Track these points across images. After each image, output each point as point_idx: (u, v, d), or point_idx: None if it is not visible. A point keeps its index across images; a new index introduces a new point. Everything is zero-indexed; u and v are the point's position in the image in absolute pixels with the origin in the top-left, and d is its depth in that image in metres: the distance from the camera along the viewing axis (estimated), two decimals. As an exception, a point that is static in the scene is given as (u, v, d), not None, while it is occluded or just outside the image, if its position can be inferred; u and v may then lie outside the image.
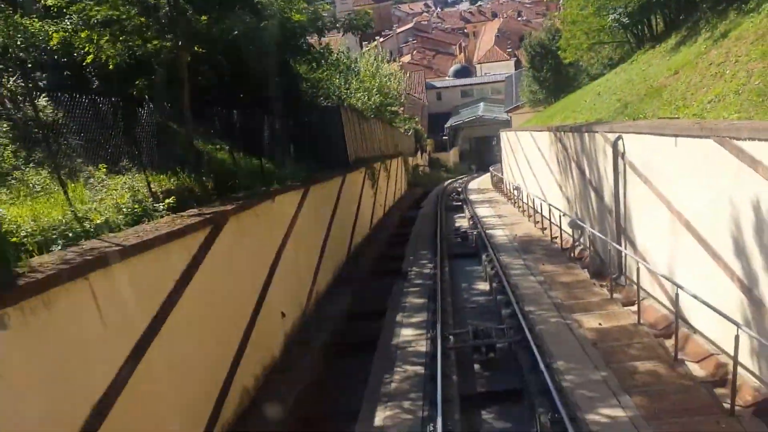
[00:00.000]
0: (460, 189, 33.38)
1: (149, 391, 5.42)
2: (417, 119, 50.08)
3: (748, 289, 7.16)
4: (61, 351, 4.38)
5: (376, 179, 21.64)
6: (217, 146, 11.88)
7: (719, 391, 7.09)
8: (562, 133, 16.31)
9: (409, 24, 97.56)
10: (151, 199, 7.42)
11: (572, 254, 13.89)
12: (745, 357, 7.24)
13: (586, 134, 13.67)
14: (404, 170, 35.30)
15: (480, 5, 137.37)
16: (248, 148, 12.31)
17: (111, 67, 9.93)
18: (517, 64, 62.63)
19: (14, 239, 4.72)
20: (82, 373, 4.58)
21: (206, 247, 6.95)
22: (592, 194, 13.51)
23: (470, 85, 66.18)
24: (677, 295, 8.17)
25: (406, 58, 76.96)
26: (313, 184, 12.42)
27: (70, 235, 5.43)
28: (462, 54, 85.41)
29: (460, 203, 26.53)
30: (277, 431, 7.11)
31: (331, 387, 8.88)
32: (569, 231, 14.60)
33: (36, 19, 11.00)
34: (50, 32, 9.49)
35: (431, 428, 6.50)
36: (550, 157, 18.10)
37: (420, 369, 8.36)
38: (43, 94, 9.59)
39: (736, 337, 6.42)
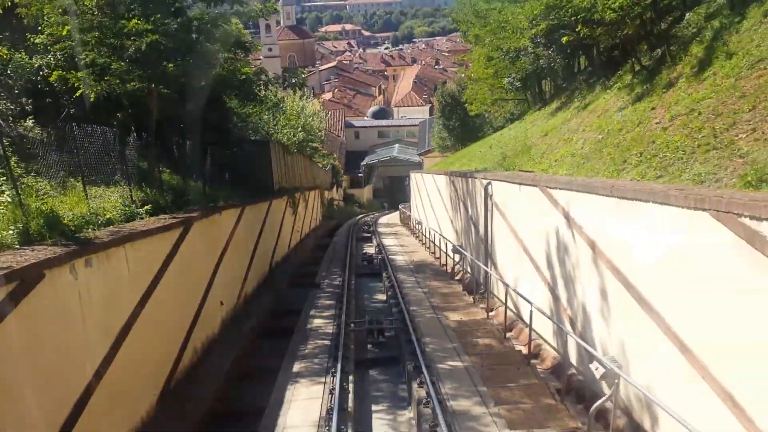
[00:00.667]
0: (371, 222, 36.94)
1: (152, 323, 8.28)
2: (335, 156, 53.65)
3: (552, 289, 10.87)
4: (111, 284, 7.26)
5: (296, 207, 24.71)
6: (167, 170, 14.70)
7: (534, 362, 10.63)
8: (455, 177, 20.21)
9: (332, 62, 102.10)
10: (133, 205, 10.22)
11: (454, 274, 17.58)
12: (549, 337, 10.90)
13: (470, 179, 17.53)
14: (320, 202, 38.48)
15: (401, 49, 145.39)
16: (192, 172, 15.16)
17: (92, 98, 12.57)
18: (432, 110, 68.02)
19: (63, 221, 7.50)
20: (122, 300, 7.45)
21: (180, 241, 9.84)
22: (472, 227, 17.28)
23: (387, 126, 70.75)
24: (511, 298, 11.83)
25: (328, 96, 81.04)
26: (248, 205, 15.41)
27: (95, 222, 8.23)
28: (381, 96, 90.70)
29: (369, 234, 30.00)
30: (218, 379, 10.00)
31: (259, 354, 11.82)
32: (439, 246, 18.34)
33: (23, 52, 13.60)
34: (50, 68, 12.15)
35: (333, 371, 9.64)
36: (445, 196, 21.95)
37: (327, 342, 11.48)
38: (30, 117, 12.25)
39: (531, 312, 10.10)
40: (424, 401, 8.36)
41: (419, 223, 27.55)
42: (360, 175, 63.91)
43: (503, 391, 8.83)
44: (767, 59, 8.12)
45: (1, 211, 6.62)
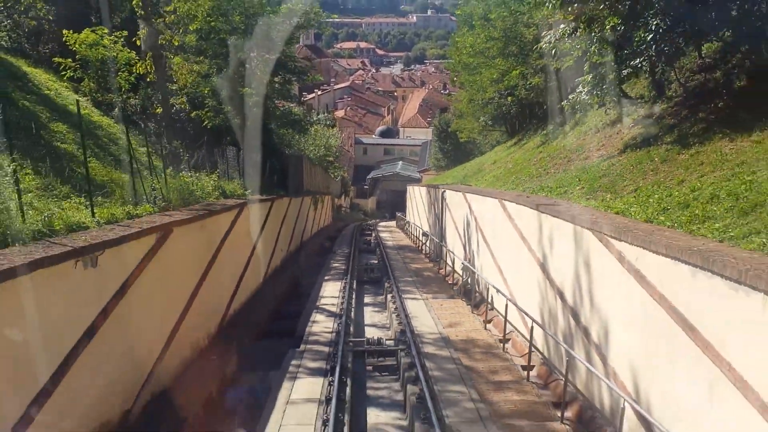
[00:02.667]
0: (372, 225, 46.77)
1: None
2: (345, 168, 63.68)
3: (465, 246, 20.54)
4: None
5: (317, 205, 34.59)
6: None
7: (448, 279, 20.21)
8: (430, 188, 30.11)
9: (346, 82, 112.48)
10: (244, 190, 20.01)
11: (422, 251, 27.38)
12: (459, 269, 20.60)
13: (436, 189, 27.41)
14: (331, 207, 48.36)
15: (412, 70, 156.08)
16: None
17: (210, 127, 22.46)
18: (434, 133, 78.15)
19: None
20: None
21: (269, 210, 19.65)
22: (436, 220, 27.03)
23: (392, 145, 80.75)
24: (450, 257, 21.61)
25: (340, 113, 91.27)
26: (292, 197, 25.26)
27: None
28: (389, 116, 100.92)
29: (370, 231, 39.80)
30: (291, 276, 19.78)
31: (302, 277, 21.68)
32: (423, 239, 28.19)
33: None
34: (194, 112, 22.10)
35: (346, 280, 19.38)
36: (425, 202, 31.78)
37: (342, 271, 21.33)
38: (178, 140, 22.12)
39: (453, 260, 19.92)
40: (390, 294, 18.05)
41: (408, 222, 37.44)
42: (366, 187, 73.71)
43: (428, 287, 18.64)
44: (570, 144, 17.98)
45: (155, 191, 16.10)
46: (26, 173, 10.41)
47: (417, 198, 36.12)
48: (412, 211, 38.35)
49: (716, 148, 10.18)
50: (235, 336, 13.08)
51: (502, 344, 12.91)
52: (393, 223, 52.07)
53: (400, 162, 74.87)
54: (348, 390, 9.83)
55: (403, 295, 17.17)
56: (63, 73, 20.48)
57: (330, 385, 9.91)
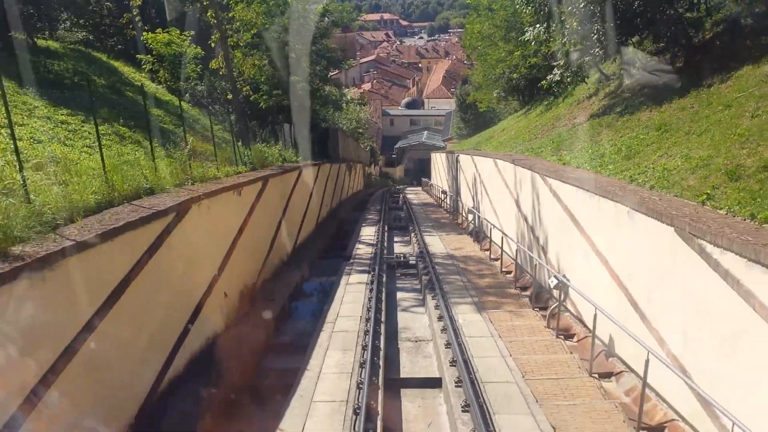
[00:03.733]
0: (399, 189, 52.43)
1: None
2: (374, 139, 69.22)
3: (473, 198, 26.06)
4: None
5: (350, 171, 40.32)
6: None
7: (460, 224, 25.77)
8: (448, 154, 35.58)
9: (371, 56, 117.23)
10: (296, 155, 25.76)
11: (442, 206, 33.04)
12: (470, 219, 26.21)
13: (452, 154, 32.88)
14: (363, 174, 54.11)
15: (436, 40, 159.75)
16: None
17: (264, 107, 28.24)
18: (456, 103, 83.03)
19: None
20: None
21: (318, 171, 25.44)
22: (452, 180, 32.54)
23: (417, 116, 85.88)
24: (464, 210, 27.20)
25: (367, 86, 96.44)
26: (332, 163, 30.99)
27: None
28: (414, 87, 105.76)
29: (398, 194, 45.49)
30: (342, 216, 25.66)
31: (347, 218, 27.53)
32: (443, 197, 33.85)
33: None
34: (252, 96, 27.85)
35: (379, 226, 25.14)
36: (444, 166, 37.27)
37: (376, 219, 27.11)
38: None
39: (466, 210, 25.57)
40: (413, 233, 23.70)
41: (431, 185, 43.06)
42: (393, 156, 79.17)
43: (444, 229, 24.30)
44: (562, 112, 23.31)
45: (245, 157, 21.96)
46: (156, 146, 16.24)
47: (438, 163, 41.62)
48: (435, 175, 43.86)
49: (641, 115, 15.35)
50: (304, 256, 19.04)
51: (492, 260, 18.57)
52: (419, 188, 57.63)
53: (426, 132, 79.97)
54: (384, 278, 15.67)
55: (423, 234, 22.89)
56: (144, 66, 26.56)
57: (372, 276, 15.72)
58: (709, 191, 9.25)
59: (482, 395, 8.45)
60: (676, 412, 8.27)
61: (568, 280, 12.03)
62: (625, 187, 11.15)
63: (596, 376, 9.62)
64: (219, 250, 12.21)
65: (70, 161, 11.03)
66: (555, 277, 11.91)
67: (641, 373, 8.46)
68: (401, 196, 42.00)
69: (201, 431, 7.83)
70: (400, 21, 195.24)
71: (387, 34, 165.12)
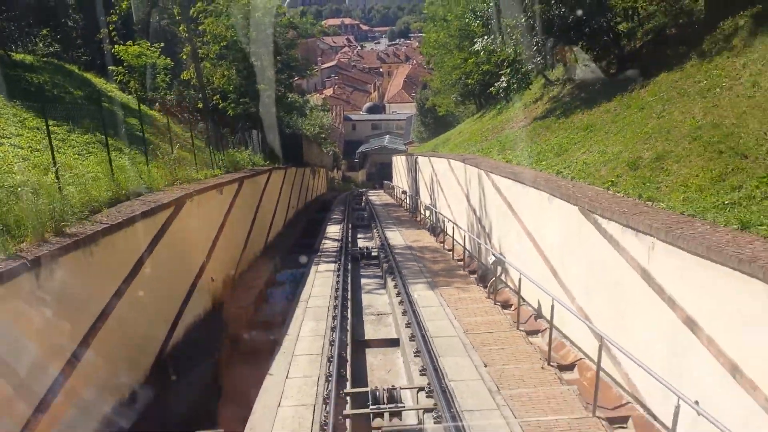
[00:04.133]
0: (362, 192, 54.58)
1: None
2: (336, 144, 71.22)
3: (430, 196, 28.37)
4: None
5: (314, 175, 42.31)
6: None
7: (419, 221, 28.04)
8: (408, 156, 37.89)
9: (332, 61, 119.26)
10: (263, 160, 27.69)
11: (403, 205, 35.33)
12: (428, 215, 28.52)
13: (411, 157, 35.20)
14: (326, 178, 56.10)
15: (397, 45, 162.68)
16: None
17: (232, 114, 30.15)
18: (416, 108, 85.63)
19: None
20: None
21: (285, 176, 27.43)
22: (412, 181, 34.84)
23: (379, 120, 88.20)
24: (423, 207, 29.52)
25: (329, 92, 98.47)
26: (297, 167, 32.98)
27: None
28: (376, 92, 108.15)
29: (361, 196, 47.63)
30: (307, 219, 27.66)
31: (315, 217, 29.54)
32: (403, 197, 36.16)
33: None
34: (225, 107, 29.72)
35: (344, 224, 27.25)
36: (404, 168, 39.57)
37: (340, 219, 29.20)
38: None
39: (424, 207, 27.89)
40: (375, 230, 25.85)
41: (393, 187, 45.35)
42: (356, 160, 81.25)
43: (403, 225, 26.52)
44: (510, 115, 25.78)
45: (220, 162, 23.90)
46: (135, 154, 18.01)
47: (399, 166, 43.93)
48: (396, 177, 46.16)
49: (574, 118, 17.74)
50: (275, 251, 21.02)
51: (446, 250, 20.84)
52: (381, 191, 59.86)
53: (387, 136, 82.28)
54: (350, 267, 17.78)
55: (384, 230, 25.08)
56: (115, 77, 28.19)
57: (338, 265, 17.80)
58: (613, 179, 11.64)
59: (430, 345, 10.63)
60: (584, 353, 10.57)
61: (504, 258, 14.35)
62: (550, 178, 13.52)
63: (524, 331, 11.90)
64: (207, 241, 14.16)
65: (71, 167, 12.86)
66: (493, 254, 14.24)
67: (562, 329, 10.80)
68: (364, 198, 44.15)
69: (204, 379, 9.82)
70: (361, 26, 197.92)
71: (348, 39, 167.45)
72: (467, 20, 26.46)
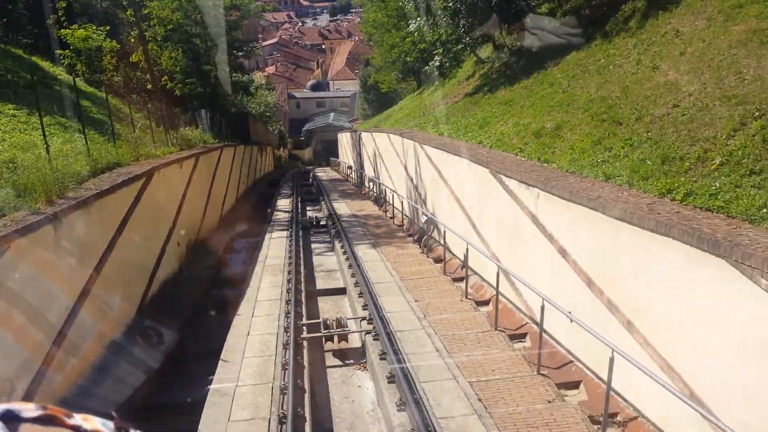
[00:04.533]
0: (309, 169, 56.34)
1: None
2: (281, 122, 72.44)
3: (374, 169, 30.60)
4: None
5: (262, 152, 43.91)
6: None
7: (364, 193, 30.26)
8: (352, 132, 39.95)
9: (274, 39, 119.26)
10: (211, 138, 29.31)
11: (349, 180, 37.48)
12: (371, 187, 30.77)
13: (355, 133, 37.29)
14: (272, 156, 57.56)
15: (338, 21, 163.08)
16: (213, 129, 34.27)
17: (179, 94, 31.60)
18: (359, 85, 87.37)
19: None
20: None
21: (227, 154, 29.15)
22: (357, 155, 36.95)
23: (323, 98, 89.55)
24: (367, 181, 31.71)
25: (271, 69, 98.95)
26: (245, 145, 34.62)
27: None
28: (319, 69, 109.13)
29: (308, 173, 49.47)
30: (259, 192, 29.50)
31: (267, 189, 31.40)
32: (348, 172, 38.30)
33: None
34: (172, 87, 31.10)
35: (293, 198, 29.23)
36: (349, 144, 41.61)
37: (290, 189, 31.15)
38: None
39: (367, 179, 30.13)
40: (323, 202, 27.93)
41: (339, 163, 47.39)
42: (302, 138, 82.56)
43: (350, 198, 28.71)
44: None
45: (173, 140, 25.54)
46: (92, 135, 19.56)
47: (344, 142, 45.95)
48: (342, 153, 48.17)
49: (498, 94, 20.10)
50: (231, 221, 22.89)
51: (388, 217, 23.13)
52: (328, 168, 61.79)
53: (332, 113, 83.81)
54: (301, 233, 19.88)
55: (332, 201, 27.19)
56: (62, 60, 29.18)
57: (290, 232, 19.87)
58: (521, 146, 14.08)
59: (371, 288, 12.91)
60: (496, 290, 13.03)
61: (435, 217, 16.75)
62: (472, 147, 15.91)
63: (451, 277, 14.32)
64: (172, 210, 16.02)
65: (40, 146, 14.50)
66: (424, 215, 16.60)
67: (482, 274, 13.24)
68: (311, 174, 46.06)
69: (182, 318, 11.85)
70: (301, 1, 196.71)
71: (289, 15, 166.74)
72: (400, 3, 28.54)
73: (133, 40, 27.95)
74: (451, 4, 21.94)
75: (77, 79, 29.95)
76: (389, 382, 8.63)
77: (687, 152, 9.40)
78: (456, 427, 7.29)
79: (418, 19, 25.14)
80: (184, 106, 30.33)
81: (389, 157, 25.58)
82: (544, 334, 10.03)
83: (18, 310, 7.34)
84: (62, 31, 29.38)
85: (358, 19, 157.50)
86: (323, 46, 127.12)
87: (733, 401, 6.11)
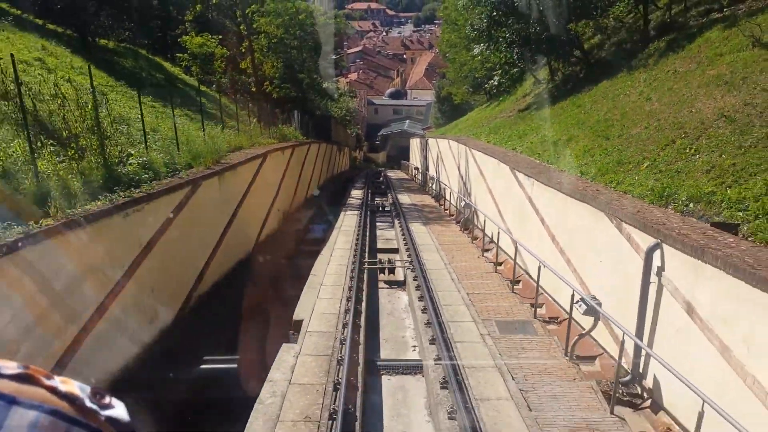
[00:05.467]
0: (381, 170, 61.95)
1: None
2: (359, 126, 78.50)
3: (436, 169, 35.62)
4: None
5: (341, 151, 49.72)
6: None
7: (425, 189, 35.28)
8: (420, 138, 45.15)
9: (358, 47, 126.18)
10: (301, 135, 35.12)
11: (415, 180, 42.65)
12: (430, 183, 35.80)
13: (423, 139, 42.45)
14: (349, 156, 63.56)
15: (421, 31, 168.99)
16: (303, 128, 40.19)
17: (276, 96, 37.70)
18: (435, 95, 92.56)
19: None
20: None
21: (317, 148, 34.84)
22: (423, 159, 42.04)
23: (400, 106, 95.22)
24: (430, 178, 36.81)
25: (353, 76, 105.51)
26: (327, 143, 40.35)
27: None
28: (398, 78, 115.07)
29: (380, 172, 54.98)
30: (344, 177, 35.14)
31: (347, 179, 37.02)
32: (415, 173, 43.52)
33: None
34: (271, 90, 37.27)
35: (365, 190, 34.65)
36: (419, 148, 46.80)
37: (362, 185, 36.61)
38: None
39: (429, 177, 35.25)
40: (390, 194, 33.16)
41: (408, 165, 52.71)
42: (377, 142, 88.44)
43: (413, 193, 33.86)
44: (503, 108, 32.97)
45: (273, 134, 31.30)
46: (208, 125, 25.40)
47: (414, 147, 51.19)
48: (412, 157, 53.46)
49: (541, 112, 24.83)
50: (313, 205, 28.50)
51: (442, 209, 28.08)
52: (399, 171, 67.30)
53: (408, 120, 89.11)
54: (369, 216, 25.18)
55: (396, 194, 32.44)
56: (181, 62, 35.63)
57: (359, 215, 25.17)
58: (540, 152, 18.86)
59: (416, 249, 17.97)
60: (508, 255, 17.80)
61: (475, 205, 21.68)
62: (506, 152, 20.74)
63: (478, 248, 19.20)
64: (275, 184, 21.63)
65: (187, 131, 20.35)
66: (465, 201, 21.52)
67: (502, 246, 18.18)
68: (383, 174, 51.56)
69: (282, 256, 17.30)
70: (387, 11, 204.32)
71: (374, 24, 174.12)
72: (467, 31, 33.52)
73: (243, 50, 34.13)
74: (507, 36, 26.80)
75: (192, 78, 36.50)
76: (418, 296, 13.65)
77: (634, 159, 14.04)
78: (453, 311, 12.26)
79: (481, 45, 30.02)
80: (281, 107, 36.32)
81: (447, 159, 30.57)
82: (532, 281, 14.85)
83: (204, 222, 12.84)
84: (184, 37, 36.00)
85: (440, 31, 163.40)
86: (404, 56, 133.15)
87: (599, 285, 10.85)
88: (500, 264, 17.50)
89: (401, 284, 15.59)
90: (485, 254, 18.51)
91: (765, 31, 15.19)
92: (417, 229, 21.56)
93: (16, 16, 25.83)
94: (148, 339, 10.55)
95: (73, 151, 10.43)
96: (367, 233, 20.99)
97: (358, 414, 8.16)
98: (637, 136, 15.26)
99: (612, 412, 8.11)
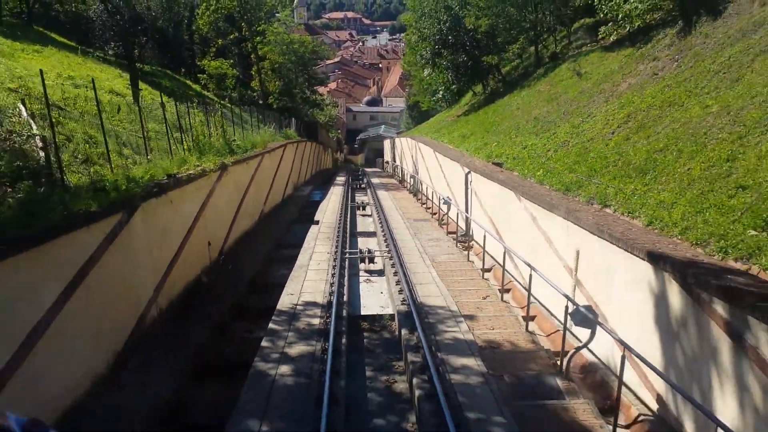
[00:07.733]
0: (360, 168, 73.35)
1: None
2: (339, 131, 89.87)
3: (414, 167, 47.04)
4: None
5: (325, 151, 61.09)
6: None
7: (404, 186, 46.62)
8: (392, 138, 56.72)
9: (336, 58, 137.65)
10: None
11: (391, 173, 54.12)
12: (408, 180, 47.24)
13: (393, 139, 54.01)
14: (331, 156, 74.89)
15: (396, 39, 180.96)
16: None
17: (275, 106, 49.17)
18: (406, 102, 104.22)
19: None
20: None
21: (303, 147, 46.21)
22: (395, 156, 53.43)
23: (376, 112, 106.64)
24: (405, 176, 48.31)
25: (333, 85, 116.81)
26: (314, 143, 51.69)
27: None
28: (375, 86, 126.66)
29: (359, 170, 66.30)
30: (321, 176, 46.54)
31: (324, 177, 48.37)
32: (391, 170, 55.10)
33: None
34: (272, 102, 48.66)
35: (346, 185, 46.01)
36: (389, 147, 58.18)
37: (344, 179, 47.93)
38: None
39: (406, 174, 46.79)
40: (370, 192, 44.44)
41: (381, 163, 64.24)
42: (356, 146, 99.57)
43: (392, 189, 45.19)
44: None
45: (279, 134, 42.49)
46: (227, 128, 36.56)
47: (386, 147, 62.72)
48: (385, 155, 64.96)
49: (469, 117, 36.32)
50: (305, 186, 39.88)
51: (421, 204, 39.35)
52: (376, 168, 78.81)
53: (383, 126, 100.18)
54: (349, 213, 36.53)
55: (376, 191, 43.68)
56: (201, 81, 46.92)
57: (340, 213, 36.42)
58: (457, 142, 30.50)
59: (379, 201, 29.30)
60: (430, 200, 29.18)
61: (420, 178, 33.21)
62: (438, 143, 32.30)
63: (419, 200, 30.64)
64: (290, 165, 32.86)
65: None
66: (414, 177, 33.11)
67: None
68: (361, 170, 62.97)
69: (283, 226, 28.71)
70: (363, 20, 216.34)
71: (351, 34, 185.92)
72: (416, 58, 45.27)
73: (252, 73, 45.42)
74: (445, 63, 38.45)
75: (209, 93, 47.63)
76: (378, 218, 24.88)
77: (491, 141, 25.61)
78: (426, 290, 23.66)
79: (428, 69, 41.61)
80: (281, 114, 47.68)
81: (405, 151, 42.03)
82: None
83: (265, 179, 24.27)
84: (204, 61, 47.34)
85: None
86: (380, 65, 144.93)
87: (453, 194, 22.29)
88: (429, 208, 28.98)
89: (369, 211, 27.13)
90: (423, 206, 29.95)
91: (582, 66, 26.83)
92: (382, 195, 32.92)
93: (95, 54, 36.87)
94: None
95: (204, 138, 21.79)
96: (349, 194, 32.32)
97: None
98: (501, 130, 26.85)
99: (456, 246, 19.66)
